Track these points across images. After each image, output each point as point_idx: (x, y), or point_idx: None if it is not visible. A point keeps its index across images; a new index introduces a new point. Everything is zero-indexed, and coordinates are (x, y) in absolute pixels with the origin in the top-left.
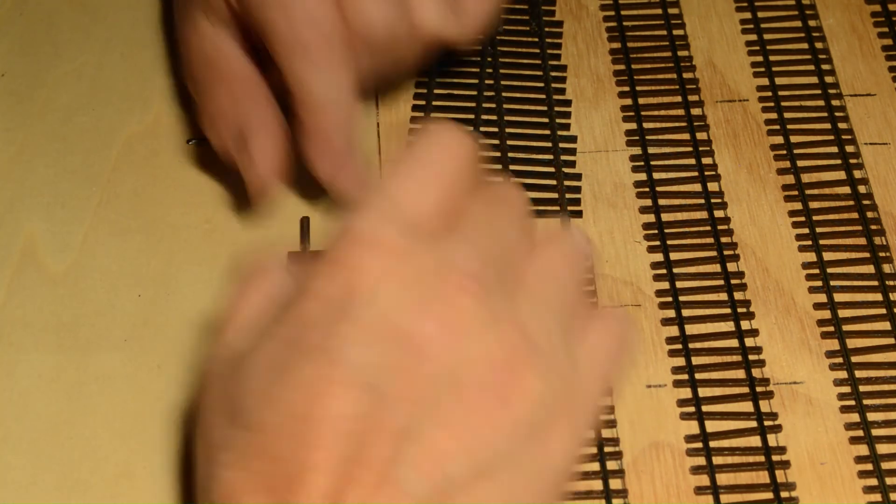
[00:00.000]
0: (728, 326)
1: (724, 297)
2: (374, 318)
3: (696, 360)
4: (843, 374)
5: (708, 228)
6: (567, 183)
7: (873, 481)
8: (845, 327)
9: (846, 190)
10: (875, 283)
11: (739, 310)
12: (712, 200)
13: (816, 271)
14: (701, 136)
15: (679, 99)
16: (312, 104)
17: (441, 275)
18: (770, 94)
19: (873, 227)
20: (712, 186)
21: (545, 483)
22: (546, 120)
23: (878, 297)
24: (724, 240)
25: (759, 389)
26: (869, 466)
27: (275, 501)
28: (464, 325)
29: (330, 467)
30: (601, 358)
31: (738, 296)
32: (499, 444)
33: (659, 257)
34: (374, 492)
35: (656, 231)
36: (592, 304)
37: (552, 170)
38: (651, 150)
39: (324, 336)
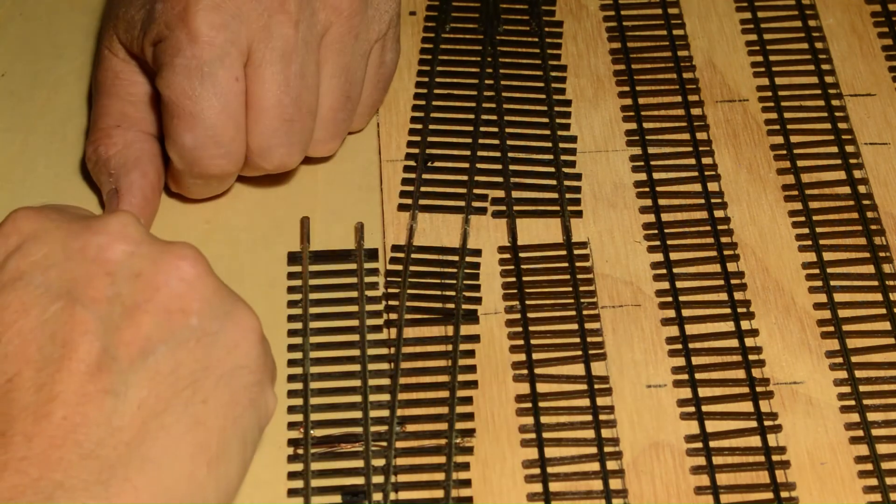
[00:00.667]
0: (728, 326)
1: (724, 297)
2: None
3: (696, 360)
4: (843, 374)
5: (708, 228)
6: (567, 183)
7: (873, 481)
8: (845, 327)
9: (846, 190)
10: (875, 283)
11: (739, 310)
12: (712, 200)
13: (816, 271)
14: (701, 136)
15: (679, 99)
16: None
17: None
18: (770, 94)
19: (873, 227)
20: (712, 186)
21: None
22: (546, 120)
23: (878, 297)
24: (724, 240)
25: (759, 389)
26: (869, 466)
27: None
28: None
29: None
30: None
31: (738, 296)
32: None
33: (659, 257)
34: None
35: (656, 231)
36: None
37: (552, 170)
38: (651, 150)
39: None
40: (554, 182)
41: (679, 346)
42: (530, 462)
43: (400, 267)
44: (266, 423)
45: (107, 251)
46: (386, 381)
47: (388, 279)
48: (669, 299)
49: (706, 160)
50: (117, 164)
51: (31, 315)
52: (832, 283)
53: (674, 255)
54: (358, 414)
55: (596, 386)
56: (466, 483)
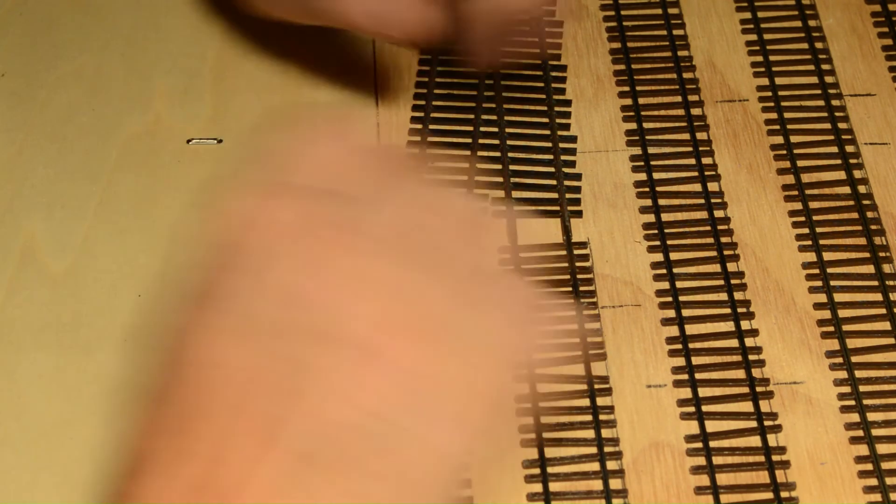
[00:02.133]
0: (728, 326)
1: (724, 297)
2: (262, 272)
3: (696, 360)
4: (843, 374)
5: (708, 228)
6: (567, 183)
7: (873, 481)
8: (845, 327)
9: (846, 190)
10: (875, 283)
11: (739, 310)
12: (712, 200)
13: (816, 271)
14: (701, 136)
15: (679, 99)
16: None
17: (331, 233)
18: (770, 94)
19: (873, 227)
20: (712, 186)
21: (420, 470)
22: (546, 120)
23: (878, 297)
24: (724, 240)
25: (759, 389)
26: (869, 466)
27: (165, 442)
28: (347, 284)
29: (215, 414)
30: (503, 336)
31: (738, 296)
32: (379, 409)
33: (659, 257)
34: (258, 450)
35: (656, 231)
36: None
37: (552, 170)
38: (651, 150)
39: (211, 283)
40: (554, 182)
41: (679, 346)
42: (530, 462)
43: None
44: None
45: None
46: None
47: None
48: (669, 299)
49: (706, 160)
50: None
51: None
52: (832, 283)
53: (674, 255)
54: None
55: (596, 386)
56: (466, 483)
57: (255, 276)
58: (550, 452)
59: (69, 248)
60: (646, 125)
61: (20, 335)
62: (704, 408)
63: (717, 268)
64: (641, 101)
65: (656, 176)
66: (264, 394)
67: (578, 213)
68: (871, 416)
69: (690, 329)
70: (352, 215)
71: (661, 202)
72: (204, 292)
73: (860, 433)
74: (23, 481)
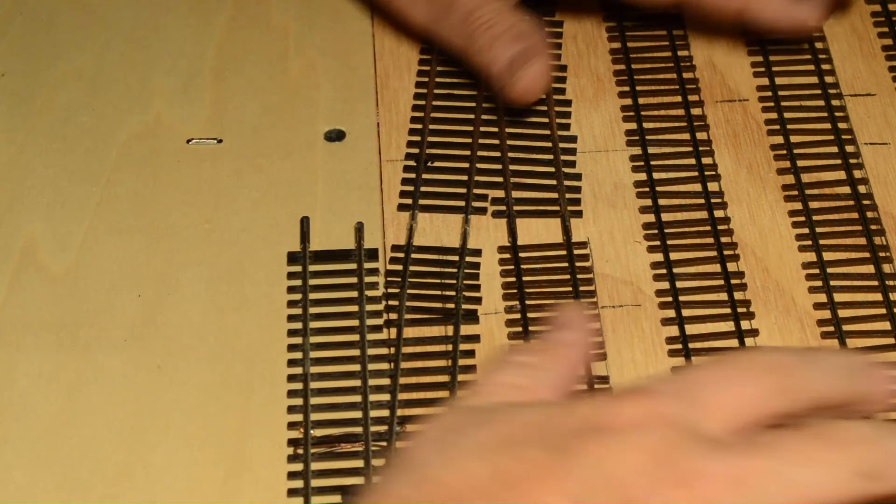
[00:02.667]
0: (728, 326)
1: (724, 297)
2: (615, 458)
3: (696, 360)
4: None
5: (708, 228)
6: (567, 183)
7: None
8: (845, 327)
9: (846, 190)
10: (875, 283)
11: (739, 310)
12: (712, 200)
13: (816, 271)
14: (701, 136)
15: (679, 99)
16: None
17: (688, 471)
18: (770, 94)
19: (873, 227)
20: (712, 186)
21: None
22: (546, 120)
23: (878, 297)
24: (724, 240)
25: None
26: None
27: None
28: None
29: None
30: None
31: (738, 296)
32: None
33: (659, 257)
34: None
35: (656, 231)
36: None
37: (552, 170)
38: (651, 150)
39: (567, 441)
40: (554, 182)
41: (679, 346)
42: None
43: (400, 267)
44: None
45: None
46: (386, 381)
47: (388, 279)
48: (669, 299)
49: (706, 160)
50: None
51: None
52: (832, 283)
53: (674, 255)
54: (358, 414)
55: (596, 386)
56: None
57: (599, 464)
58: None
59: (69, 248)
60: (646, 125)
61: (20, 335)
62: None
63: (717, 268)
64: (641, 101)
65: (656, 176)
66: None
67: (578, 213)
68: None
69: (690, 329)
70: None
71: (661, 202)
72: (541, 460)
73: None
74: (23, 481)
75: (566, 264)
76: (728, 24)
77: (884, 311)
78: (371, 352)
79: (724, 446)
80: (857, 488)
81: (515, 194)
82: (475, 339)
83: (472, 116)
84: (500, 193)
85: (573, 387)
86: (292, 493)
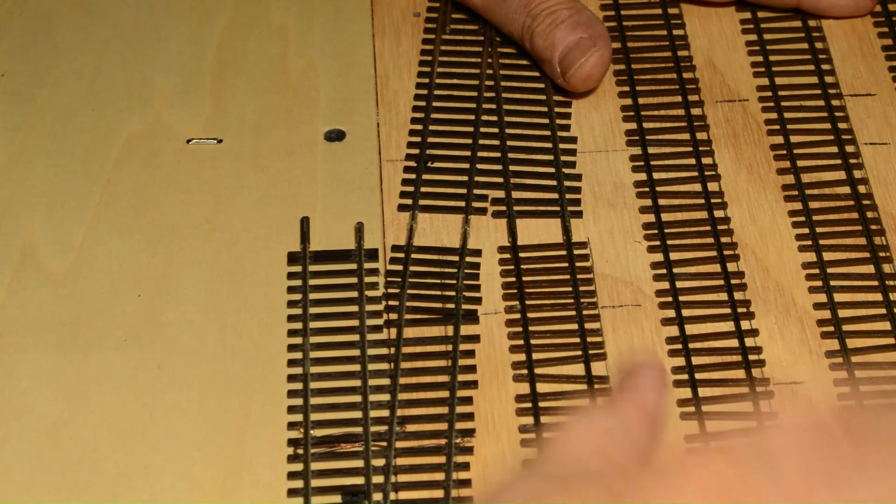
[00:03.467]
0: (728, 326)
1: (724, 297)
2: None
3: (696, 360)
4: (843, 374)
5: (708, 228)
6: (567, 183)
7: None
8: (845, 327)
9: (846, 190)
10: (875, 283)
11: (739, 310)
12: (712, 200)
13: (816, 271)
14: (701, 136)
15: (679, 99)
16: None
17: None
18: (770, 94)
19: (873, 227)
20: (712, 186)
21: None
22: (546, 120)
23: (878, 297)
24: (724, 240)
25: (759, 389)
26: None
27: None
28: None
29: None
30: None
31: (738, 296)
32: None
33: (659, 257)
34: None
35: (656, 231)
36: None
37: (552, 170)
38: (651, 150)
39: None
40: (554, 182)
41: (679, 346)
42: (531, 462)
43: (400, 267)
44: None
45: None
46: (386, 381)
47: (388, 279)
48: (669, 299)
49: (706, 160)
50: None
51: None
52: (832, 283)
53: (674, 255)
54: (358, 414)
55: (596, 386)
56: (466, 483)
57: None
58: None
59: (69, 248)
60: (646, 125)
61: (20, 335)
62: (704, 408)
63: (717, 268)
64: (641, 101)
65: (656, 176)
66: None
67: (578, 213)
68: None
69: (690, 329)
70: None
71: (661, 202)
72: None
73: None
74: (23, 481)
75: (566, 264)
76: (783, 7)
77: (884, 311)
78: (371, 352)
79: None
80: None
81: (515, 194)
82: (475, 339)
83: (472, 117)
84: (500, 193)
85: (652, 451)
86: (292, 493)
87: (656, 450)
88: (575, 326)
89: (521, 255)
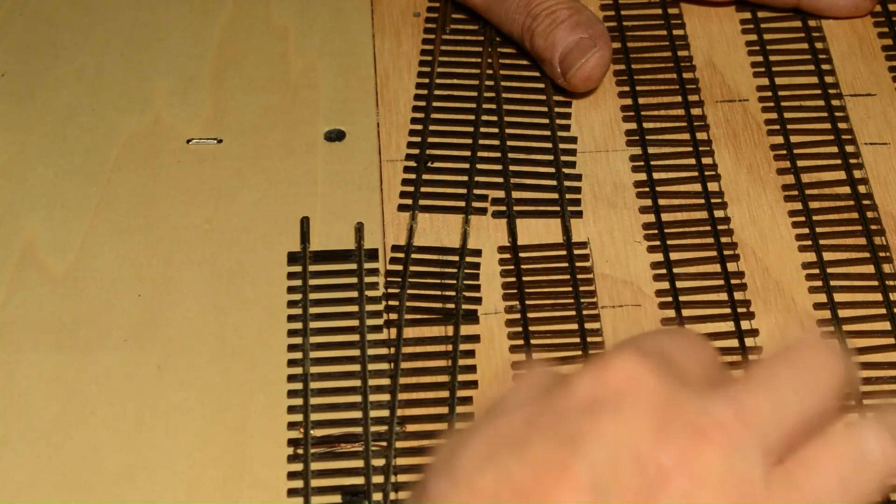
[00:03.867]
0: (728, 326)
1: (724, 297)
2: (618, 429)
3: None
4: None
5: (708, 228)
6: (567, 183)
7: None
8: (845, 327)
9: (846, 190)
10: (875, 283)
11: (739, 310)
12: (712, 200)
13: (816, 271)
14: (701, 136)
15: (679, 99)
16: None
17: (694, 419)
18: (770, 94)
19: (873, 227)
20: (712, 186)
21: None
22: (546, 120)
23: (878, 297)
24: (724, 240)
25: None
26: None
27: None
28: (700, 473)
29: None
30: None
31: (738, 296)
32: None
33: (659, 257)
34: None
35: (656, 231)
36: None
37: (552, 170)
38: (651, 150)
39: (568, 426)
40: (554, 182)
41: None
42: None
43: (400, 267)
44: None
45: None
46: (386, 381)
47: (388, 279)
48: (669, 299)
49: (706, 160)
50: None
51: None
52: (832, 283)
53: (674, 255)
54: (358, 414)
55: None
56: None
57: (610, 429)
58: None
59: (69, 248)
60: (646, 125)
61: (20, 335)
62: None
63: (717, 268)
64: (641, 101)
65: (656, 176)
66: None
67: (578, 213)
68: None
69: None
70: (708, 404)
71: (661, 202)
72: (556, 430)
73: None
74: (23, 481)
75: (566, 264)
76: (783, 7)
77: (884, 311)
78: (371, 352)
79: (717, 390)
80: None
81: (515, 194)
82: (475, 339)
83: (472, 117)
84: (500, 193)
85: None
86: (292, 493)
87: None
88: (575, 326)
89: (521, 255)
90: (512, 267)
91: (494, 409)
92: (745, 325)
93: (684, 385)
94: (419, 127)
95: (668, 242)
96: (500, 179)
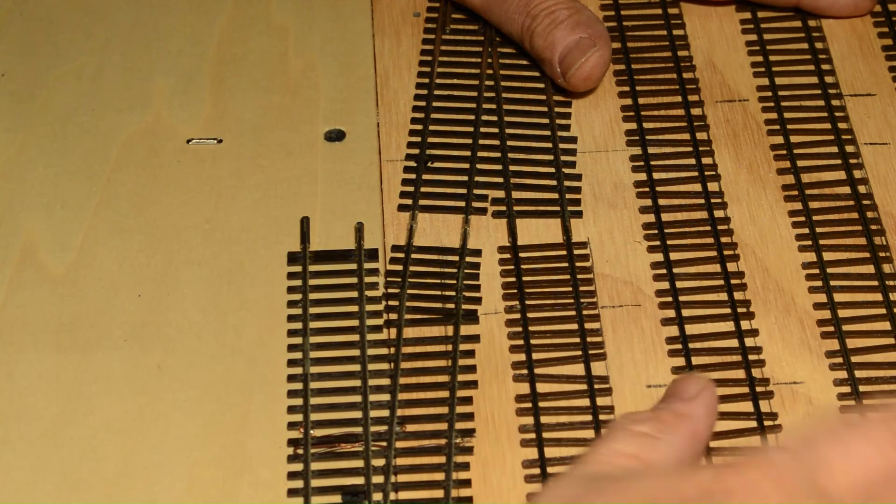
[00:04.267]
0: (728, 326)
1: (724, 297)
2: None
3: (696, 360)
4: (843, 374)
5: (708, 228)
6: (567, 183)
7: None
8: (845, 327)
9: (846, 190)
10: (875, 283)
11: (739, 310)
12: (712, 200)
13: (816, 271)
14: (701, 136)
15: (679, 99)
16: None
17: None
18: (770, 94)
19: (873, 227)
20: (712, 186)
21: None
22: (546, 120)
23: (878, 297)
24: (724, 240)
25: (759, 389)
26: None
27: None
28: None
29: None
30: None
31: (738, 296)
32: None
33: (659, 257)
34: None
35: (656, 231)
36: None
37: (552, 170)
38: (651, 150)
39: None
40: (554, 182)
41: (679, 346)
42: (530, 462)
43: (400, 267)
44: None
45: None
46: (386, 381)
47: (388, 279)
48: (669, 299)
49: (706, 160)
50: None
51: None
52: (832, 283)
53: (674, 255)
54: (358, 414)
55: (596, 386)
56: (466, 483)
57: None
58: (550, 452)
59: (69, 248)
60: (646, 125)
61: (20, 335)
62: None
63: (717, 268)
64: (641, 101)
65: (656, 176)
66: None
67: (578, 213)
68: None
69: (690, 329)
70: None
71: (661, 202)
72: None
73: None
74: (23, 481)
75: (566, 264)
76: (783, 6)
77: (884, 311)
78: (371, 352)
79: None
80: None
81: (515, 194)
82: (475, 339)
83: (472, 117)
84: (500, 193)
85: (692, 460)
86: (292, 493)
87: (697, 457)
88: (575, 326)
89: (521, 255)
90: (512, 267)
91: (593, 460)
92: (744, 325)
93: (815, 497)
94: (419, 127)
95: (668, 242)
96: (500, 179)
